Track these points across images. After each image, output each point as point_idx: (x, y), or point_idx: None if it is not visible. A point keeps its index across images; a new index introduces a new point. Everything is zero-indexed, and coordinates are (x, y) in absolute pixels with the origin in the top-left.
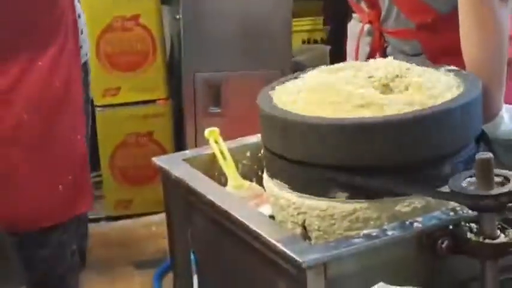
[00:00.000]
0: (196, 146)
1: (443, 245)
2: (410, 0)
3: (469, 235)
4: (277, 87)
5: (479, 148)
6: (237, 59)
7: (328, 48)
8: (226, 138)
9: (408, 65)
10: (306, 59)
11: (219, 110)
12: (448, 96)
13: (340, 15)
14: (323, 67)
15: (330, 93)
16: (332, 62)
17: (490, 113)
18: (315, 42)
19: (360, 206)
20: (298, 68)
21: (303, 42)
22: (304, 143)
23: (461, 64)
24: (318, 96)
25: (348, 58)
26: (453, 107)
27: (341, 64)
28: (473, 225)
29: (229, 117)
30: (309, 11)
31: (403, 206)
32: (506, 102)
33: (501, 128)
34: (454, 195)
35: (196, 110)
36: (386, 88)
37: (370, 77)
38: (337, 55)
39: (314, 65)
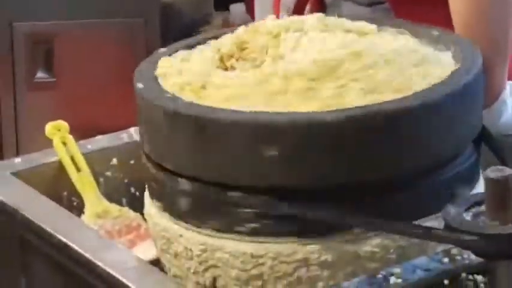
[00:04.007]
0: (17, 142)
1: None
2: None
3: None
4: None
5: (477, 152)
6: (72, 0)
7: None
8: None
9: (364, 24)
10: (180, 2)
11: (52, 79)
12: (437, 73)
13: None
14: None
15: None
16: (219, 4)
17: (488, 97)
18: None
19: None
20: (171, 15)
21: None
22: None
23: (439, 19)
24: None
25: (257, 9)
26: (451, 91)
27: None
28: (479, 278)
29: (67, 89)
30: None
31: (369, 249)
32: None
33: (502, 119)
34: (453, 235)
35: (16, 79)
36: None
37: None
38: None
39: (193, 10)
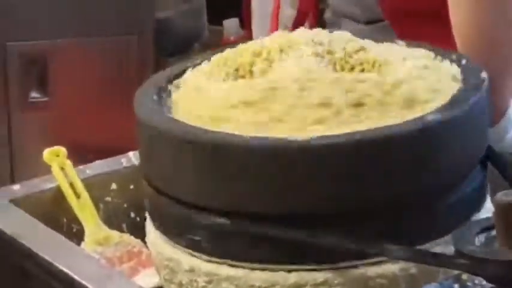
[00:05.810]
0: (11, 164)
1: None
2: None
3: None
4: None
5: (484, 172)
6: (65, 19)
7: None
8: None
9: (368, 43)
10: (176, 15)
11: (45, 99)
12: (449, 92)
13: None
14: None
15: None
16: (213, 20)
17: (493, 115)
18: None
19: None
20: (165, 30)
21: None
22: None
23: (440, 38)
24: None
25: (255, 23)
26: (454, 115)
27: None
28: None
29: (62, 108)
30: None
31: (377, 279)
32: None
33: (508, 136)
34: (464, 261)
35: (10, 99)
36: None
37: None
38: (228, 11)
39: (186, 26)
